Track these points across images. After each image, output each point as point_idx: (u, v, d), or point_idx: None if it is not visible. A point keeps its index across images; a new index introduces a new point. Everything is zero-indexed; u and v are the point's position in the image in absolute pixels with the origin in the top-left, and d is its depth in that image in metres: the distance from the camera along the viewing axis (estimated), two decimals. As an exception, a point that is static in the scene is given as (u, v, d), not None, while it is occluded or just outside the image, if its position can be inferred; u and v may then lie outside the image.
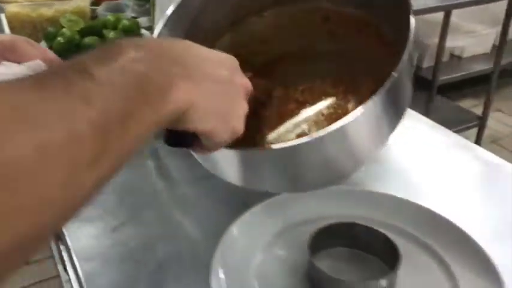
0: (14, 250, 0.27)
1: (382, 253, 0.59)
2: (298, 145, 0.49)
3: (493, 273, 0.57)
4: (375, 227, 0.61)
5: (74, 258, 0.62)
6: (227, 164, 0.54)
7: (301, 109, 0.66)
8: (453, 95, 2.76)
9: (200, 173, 0.78)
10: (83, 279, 0.59)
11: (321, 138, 0.48)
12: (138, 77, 0.34)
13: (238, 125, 0.44)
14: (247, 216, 0.65)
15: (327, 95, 0.66)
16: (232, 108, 0.44)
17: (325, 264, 0.58)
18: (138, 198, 0.74)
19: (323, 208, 0.67)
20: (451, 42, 2.49)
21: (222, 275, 0.57)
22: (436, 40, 2.32)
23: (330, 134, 0.47)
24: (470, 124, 2.38)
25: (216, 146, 0.45)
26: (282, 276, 0.60)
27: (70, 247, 0.64)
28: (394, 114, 0.56)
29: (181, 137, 0.43)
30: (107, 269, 0.61)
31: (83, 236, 0.66)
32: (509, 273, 0.56)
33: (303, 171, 0.54)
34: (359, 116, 0.48)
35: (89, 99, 0.30)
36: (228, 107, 0.43)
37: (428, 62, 2.66)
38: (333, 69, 0.67)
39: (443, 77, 2.52)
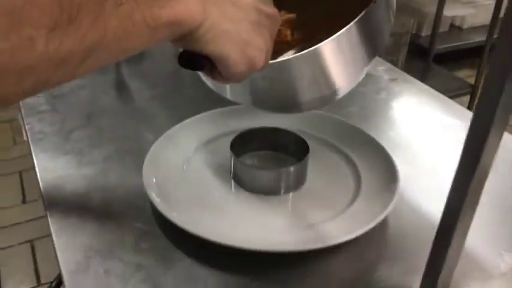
0: None
1: (297, 153, 0.67)
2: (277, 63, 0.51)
3: (393, 170, 0.65)
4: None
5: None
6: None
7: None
8: (450, 65, 2.78)
9: (156, 93, 0.89)
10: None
11: (299, 58, 0.50)
12: None
13: (258, 58, 0.42)
14: (176, 128, 0.73)
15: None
16: (253, 38, 0.42)
17: (246, 162, 0.66)
18: (95, 107, 0.83)
19: (255, 122, 0.74)
20: (451, 12, 2.51)
21: (153, 181, 0.63)
22: (435, 9, 2.35)
23: (306, 54, 0.50)
24: (463, 91, 2.42)
25: (231, 77, 0.43)
26: (208, 178, 0.67)
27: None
28: (369, 47, 0.55)
29: (195, 59, 0.42)
30: (63, 170, 0.70)
31: (42, 132, 0.76)
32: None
33: (292, 89, 0.54)
34: (335, 39, 0.50)
35: None
36: (248, 35, 0.41)
37: (426, 31, 2.69)
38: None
39: (441, 46, 2.55)
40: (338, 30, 0.52)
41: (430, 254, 0.49)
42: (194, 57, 0.41)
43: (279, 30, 0.49)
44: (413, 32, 2.66)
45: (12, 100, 0.32)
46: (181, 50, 0.42)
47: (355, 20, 0.50)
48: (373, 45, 0.55)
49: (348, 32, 0.50)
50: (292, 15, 0.58)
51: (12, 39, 0.28)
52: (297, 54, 0.51)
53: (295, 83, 0.54)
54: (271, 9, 0.44)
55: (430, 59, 2.48)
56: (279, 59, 0.52)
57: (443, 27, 2.67)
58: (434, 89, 0.93)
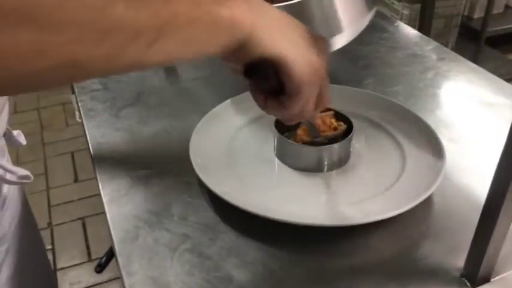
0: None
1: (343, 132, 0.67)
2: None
3: (438, 149, 0.64)
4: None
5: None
6: None
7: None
8: (504, 48, 2.68)
9: (202, 73, 0.91)
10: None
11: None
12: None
13: (318, 61, 0.44)
14: (222, 106, 0.75)
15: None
16: (308, 47, 0.44)
17: (289, 139, 0.67)
18: (144, 86, 0.86)
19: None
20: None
21: (200, 156, 0.65)
22: (489, -10, 2.27)
23: None
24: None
25: (298, 82, 0.44)
26: (252, 154, 0.69)
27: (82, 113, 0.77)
28: None
29: (259, 66, 0.43)
30: (114, 146, 0.73)
31: (94, 109, 0.79)
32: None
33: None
34: None
35: None
36: (302, 41, 0.44)
37: (479, 13, 2.60)
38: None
39: (494, 28, 2.46)
40: None
41: (475, 233, 0.49)
42: (258, 65, 0.42)
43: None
44: (465, 14, 2.58)
45: (91, 67, 0.33)
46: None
47: None
48: None
49: None
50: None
51: (100, 1, 0.31)
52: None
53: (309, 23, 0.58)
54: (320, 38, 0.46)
55: (482, 41, 2.40)
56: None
57: (498, 9, 2.57)
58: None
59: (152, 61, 0.36)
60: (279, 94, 0.46)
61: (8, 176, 0.62)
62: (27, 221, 0.74)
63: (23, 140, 0.69)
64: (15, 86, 0.32)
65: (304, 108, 0.46)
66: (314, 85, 0.45)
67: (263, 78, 0.45)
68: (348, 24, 0.65)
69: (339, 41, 0.67)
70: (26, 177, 0.63)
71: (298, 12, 0.58)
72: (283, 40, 0.42)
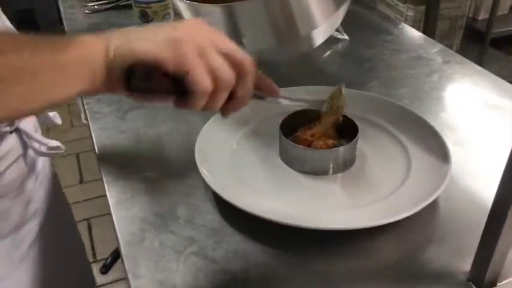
0: None
1: (347, 134, 0.67)
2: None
3: (444, 152, 0.64)
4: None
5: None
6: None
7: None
8: (509, 50, 2.67)
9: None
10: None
11: None
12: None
13: (173, 35, 0.43)
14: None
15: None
16: (159, 32, 0.44)
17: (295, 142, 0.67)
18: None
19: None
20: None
21: (205, 159, 0.65)
22: (494, -9, 2.27)
23: None
24: (521, 77, 2.33)
25: (191, 82, 0.43)
26: (258, 157, 0.69)
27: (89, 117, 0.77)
28: None
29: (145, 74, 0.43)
30: (120, 148, 0.74)
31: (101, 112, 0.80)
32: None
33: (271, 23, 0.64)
34: None
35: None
36: (153, 32, 0.44)
37: (484, 15, 2.59)
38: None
39: (499, 30, 2.45)
40: None
41: (482, 237, 0.49)
42: (139, 80, 0.42)
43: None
44: (470, 15, 2.57)
45: None
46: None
47: None
48: None
49: None
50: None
51: None
52: None
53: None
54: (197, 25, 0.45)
55: (486, 43, 2.39)
56: None
57: (503, 10, 2.56)
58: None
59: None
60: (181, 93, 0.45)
61: (43, 149, 0.66)
62: (58, 199, 0.77)
63: (58, 120, 0.73)
64: None
65: (218, 82, 0.44)
66: (195, 55, 0.43)
67: (151, 88, 0.44)
68: (323, 18, 0.66)
69: (319, 37, 0.68)
70: (57, 148, 0.68)
71: (267, 10, 0.59)
72: (140, 42, 0.42)
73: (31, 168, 0.67)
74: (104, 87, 0.42)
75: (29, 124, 0.65)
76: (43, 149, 0.66)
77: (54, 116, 0.72)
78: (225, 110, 0.48)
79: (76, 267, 0.85)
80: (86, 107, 0.82)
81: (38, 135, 0.66)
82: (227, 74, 0.44)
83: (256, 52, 0.72)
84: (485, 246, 0.49)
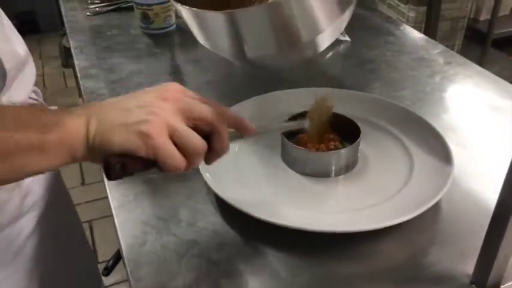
0: None
1: (349, 136, 0.67)
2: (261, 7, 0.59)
3: (446, 154, 0.64)
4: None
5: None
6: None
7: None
8: (510, 50, 2.67)
9: (209, 78, 0.91)
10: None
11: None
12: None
13: (149, 129, 0.44)
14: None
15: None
16: (137, 115, 0.45)
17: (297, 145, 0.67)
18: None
19: (306, 105, 0.75)
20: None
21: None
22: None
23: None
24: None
25: (159, 158, 0.45)
26: (260, 159, 0.69)
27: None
28: None
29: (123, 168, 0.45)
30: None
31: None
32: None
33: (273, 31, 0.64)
34: None
35: None
36: (124, 118, 0.45)
37: (485, 15, 2.59)
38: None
39: (500, 31, 2.45)
40: None
41: (485, 239, 0.49)
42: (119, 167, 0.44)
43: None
44: (472, 16, 2.57)
45: None
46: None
47: None
48: None
49: None
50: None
51: None
52: None
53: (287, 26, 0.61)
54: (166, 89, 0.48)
55: (488, 44, 2.39)
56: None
57: (504, 11, 2.56)
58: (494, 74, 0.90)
59: None
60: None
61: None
62: (59, 192, 0.78)
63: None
64: None
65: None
66: (165, 141, 0.45)
67: (130, 172, 0.46)
68: (328, 22, 0.65)
69: (323, 41, 0.67)
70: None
71: (269, 17, 0.59)
72: (115, 131, 0.44)
73: None
74: (87, 159, 0.46)
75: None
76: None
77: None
78: (208, 161, 0.50)
79: (77, 264, 0.85)
80: (87, 109, 0.82)
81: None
82: (198, 143, 0.47)
83: (258, 58, 0.72)
84: (488, 249, 0.49)
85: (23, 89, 0.63)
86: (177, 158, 0.45)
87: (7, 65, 0.60)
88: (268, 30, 0.64)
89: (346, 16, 0.70)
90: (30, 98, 0.67)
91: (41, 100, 0.70)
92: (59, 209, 0.77)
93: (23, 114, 0.43)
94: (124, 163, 0.44)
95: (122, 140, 0.44)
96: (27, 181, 0.66)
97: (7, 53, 0.61)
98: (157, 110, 0.45)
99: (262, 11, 0.63)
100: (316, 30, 0.66)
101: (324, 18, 0.65)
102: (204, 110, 0.48)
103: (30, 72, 0.67)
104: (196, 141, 0.46)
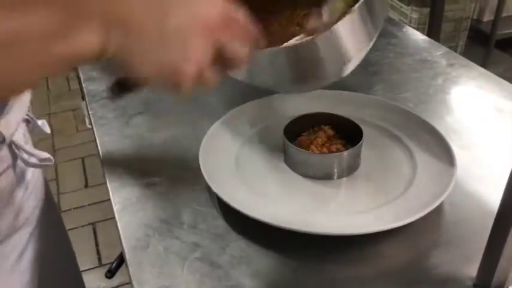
0: None
1: (351, 138, 0.67)
2: (294, 46, 0.57)
3: (449, 156, 0.64)
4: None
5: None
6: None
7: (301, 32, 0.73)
8: (514, 51, 2.66)
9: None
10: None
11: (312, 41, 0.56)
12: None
13: (183, 65, 0.40)
14: (231, 114, 0.75)
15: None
16: (179, 48, 0.39)
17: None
18: (153, 94, 0.87)
19: (308, 107, 0.75)
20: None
21: (209, 164, 0.65)
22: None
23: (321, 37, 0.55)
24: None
25: (167, 89, 0.41)
26: (262, 162, 0.68)
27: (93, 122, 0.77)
28: (372, 23, 0.61)
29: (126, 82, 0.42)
30: (124, 154, 0.74)
31: (105, 117, 0.80)
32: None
33: (300, 70, 0.60)
34: (340, 25, 0.55)
35: None
36: (171, 48, 0.39)
37: (488, 16, 2.59)
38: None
39: (503, 32, 2.45)
40: None
41: (488, 242, 0.49)
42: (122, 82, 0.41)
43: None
44: (475, 17, 2.57)
45: None
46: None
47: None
48: (378, 18, 0.61)
49: (359, 10, 0.54)
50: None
51: None
52: (310, 38, 0.55)
53: (312, 63, 0.58)
54: (213, 9, 0.40)
55: (491, 45, 2.39)
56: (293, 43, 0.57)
57: (507, 12, 2.56)
58: (497, 75, 0.90)
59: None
60: None
61: (32, 160, 0.64)
62: (49, 207, 0.76)
63: (47, 129, 0.71)
64: None
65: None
66: (184, 86, 0.41)
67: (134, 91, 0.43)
68: (356, 51, 0.64)
69: (349, 67, 0.65)
70: (47, 159, 0.66)
71: (304, 54, 0.57)
72: (141, 59, 0.38)
73: (20, 178, 0.65)
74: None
75: (18, 134, 0.63)
76: (33, 160, 0.65)
77: (43, 125, 0.70)
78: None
79: (67, 275, 0.84)
80: (90, 112, 0.82)
81: (28, 146, 0.64)
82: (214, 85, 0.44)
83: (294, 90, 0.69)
84: (491, 251, 0.49)
85: (19, 109, 0.62)
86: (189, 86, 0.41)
87: None
88: (289, 71, 0.61)
89: (373, 41, 0.68)
90: (27, 115, 0.66)
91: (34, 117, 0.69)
92: (50, 222, 0.76)
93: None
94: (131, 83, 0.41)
95: (144, 70, 0.39)
96: (19, 198, 0.65)
97: None
98: (195, 48, 0.39)
99: (283, 52, 0.60)
100: (346, 61, 0.64)
101: (351, 52, 0.63)
102: (236, 54, 0.44)
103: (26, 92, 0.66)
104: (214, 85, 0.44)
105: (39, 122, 0.69)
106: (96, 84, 0.90)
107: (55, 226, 0.80)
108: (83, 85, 0.91)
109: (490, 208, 0.58)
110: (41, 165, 0.66)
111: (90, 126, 0.81)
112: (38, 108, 2.58)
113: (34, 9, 0.32)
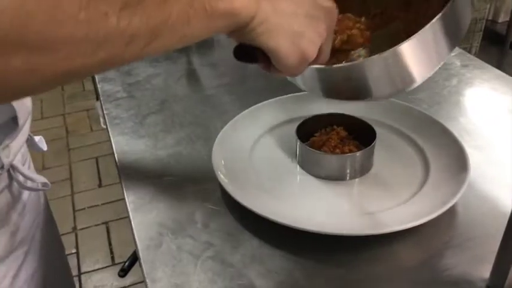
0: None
1: (364, 139, 0.67)
2: (361, 63, 0.53)
3: (463, 158, 0.64)
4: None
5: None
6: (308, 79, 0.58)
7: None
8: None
9: (224, 81, 0.91)
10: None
11: (382, 58, 0.50)
12: None
13: (310, 51, 0.44)
14: (244, 114, 0.75)
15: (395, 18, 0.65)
16: (306, 31, 0.43)
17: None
18: (168, 94, 0.87)
19: (321, 108, 0.75)
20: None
21: (222, 164, 0.66)
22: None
23: (389, 54, 0.50)
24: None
25: (284, 69, 0.45)
26: (274, 162, 0.69)
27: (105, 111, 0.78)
28: (450, 39, 0.54)
29: (249, 52, 0.44)
30: (138, 153, 0.75)
31: (119, 117, 0.81)
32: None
33: (368, 85, 0.55)
34: (415, 38, 0.49)
35: None
36: (301, 28, 0.43)
37: (503, 17, 2.56)
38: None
39: (519, 32, 2.42)
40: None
41: (501, 243, 0.49)
42: (248, 50, 0.43)
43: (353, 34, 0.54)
44: (490, 18, 2.54)
45: (88, 71, 0.34)
46: (237, 43, 0.43)
47: (438, 15, 0.48)
48: (454, 36, 0.54)
49: (431, 28, 0.49)
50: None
51: (91, 12, 0.30)
52: (375, 56, 0.50)
53: (372, 81, 0.53)
54: (328, 3, 0.45)
55: (506, 46, 2.37)
56: (356, 62, 0.54)
57: (523, 12, 2.53)
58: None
59: (152, 54, 0.37)
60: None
61: (29, 183, 0.64)
62: (47, 226, 0.75)
63: (44, 146, 0.70)
64: (9, 97, 0.34)
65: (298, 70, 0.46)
66: (301, 67, 0.45)
67: (251, 59, 0.45)
68: (422, 76, 0.58)
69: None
70: (44, 184, 0.66)
71: (361, 73, 0.53)
72: (279, 31, 0.42)
73: (16, 198, 0.64)
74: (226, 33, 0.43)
75: (16, 156, 0.62)
76: (29, 184, 0.64)
77: (40, 141, 0.69)
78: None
79: None
80: (104, 112, 0.83)
81: (25, 169, 0.63)
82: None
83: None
84: (504, 253, 0.48)
85: (22, 135, 0.62)
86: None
87: (20, 121, 0.60)
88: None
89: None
90: (29, 135, 0.66)
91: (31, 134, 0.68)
92: (47, 241, 0.74)
93: None
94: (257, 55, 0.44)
95: (283, 47, 0.42)
96: (14, 219, 0.64)
97: (21, 110, 0.60)
98: (321, 30, 0.45)
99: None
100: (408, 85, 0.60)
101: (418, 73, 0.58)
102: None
103: (30, 117, 0.66)
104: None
105: (37, 139, 0.69)
106: (111, 84, 0.91)
107: (53, 245, 0.78)
108: (98, 85, 0.92)
109: (503, 209, 0.58)
110: (38, 189, 0.65)
111: (104, 126, 0.82)
112: (52, 109, 2.61)
113: None
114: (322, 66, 0.52)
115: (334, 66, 0.53)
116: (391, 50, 0.49)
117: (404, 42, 0.49)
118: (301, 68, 0.46)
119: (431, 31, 0.49)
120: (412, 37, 0.48)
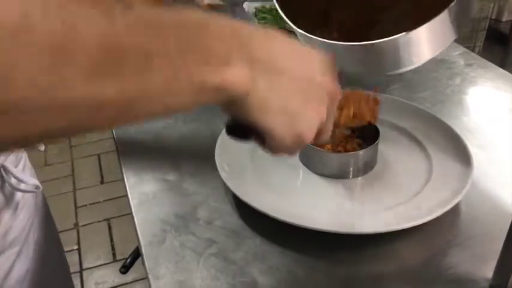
0: None
1: (368, 137, 0.67)
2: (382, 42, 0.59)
3: (466, 156, 0.64)
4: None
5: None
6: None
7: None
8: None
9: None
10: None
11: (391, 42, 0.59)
12: (197, 39, 0.33)
13: (307, 133, 0.40)
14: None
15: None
16: (304, 112, 0.40)
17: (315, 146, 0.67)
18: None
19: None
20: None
21: (225, 161, 0.66)
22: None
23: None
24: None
25: (277, 149, 0.41)
26: (277, 160, 0.67)
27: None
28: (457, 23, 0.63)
29: (241, 129, 0.41)
30: (141, 150, 0.75)
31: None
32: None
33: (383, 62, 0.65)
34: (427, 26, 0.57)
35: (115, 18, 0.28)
36: (298, 109, 0.39)
37: (507, 16, 2.56)
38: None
39: (522, 31, 2.42)
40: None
41: (505, 242, 0.49)
42: (242, 126, 0.39)
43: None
44: (493, 17, 2.54)
45: (54, 136, 0.31)
46: (229, 118, 0.41)
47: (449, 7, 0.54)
48: (461, 21, 0.62)
49: (442, 17, 0.54)
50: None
51: (52, 77, 0.26)
52: (389, 38, 0.57)
53: (383, 61, 0.61)
54: (330, 82, 0.41)
55: (510, 45, 2.36)
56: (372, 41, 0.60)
57: (527, 12, 2.53)
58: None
59: (127, 123, 0.33)
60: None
61: (22, 186, 0.63)
62: (44, 225, 0.75)
63: (41, 146, 0.69)
64: None
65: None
66: (297, 149, 0.42)
67: (244, 136, 0.43)
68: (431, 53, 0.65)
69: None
70: (36, 187, 0.65)
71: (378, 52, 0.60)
72: (274, 111, 0.38)
73: (9, 199, 0.64)
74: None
75: (8, 158, 0.62)
76: (22, 186, 0.63)
77: None
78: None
79: None
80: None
81: (19, 171, 0.63)
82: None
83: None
84: (507, 252, 0.48)
85: None
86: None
87: None
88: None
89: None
90: None
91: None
92: (43, 240, 0.73)
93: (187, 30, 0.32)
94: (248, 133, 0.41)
95: (279, 128, 0.39)
96: (6, 219, 0.63)
97: None
98: (321, 112, 0.41)
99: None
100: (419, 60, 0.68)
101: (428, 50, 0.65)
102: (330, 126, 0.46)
103: None
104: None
105: None
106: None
107: (49, 244, 0.77)
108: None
109: (506, 208, 0.58)
110: (30, 191, 0.65)
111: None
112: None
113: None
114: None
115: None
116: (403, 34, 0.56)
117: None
118: (298, 150, 0.43)
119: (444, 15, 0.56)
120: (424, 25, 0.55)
